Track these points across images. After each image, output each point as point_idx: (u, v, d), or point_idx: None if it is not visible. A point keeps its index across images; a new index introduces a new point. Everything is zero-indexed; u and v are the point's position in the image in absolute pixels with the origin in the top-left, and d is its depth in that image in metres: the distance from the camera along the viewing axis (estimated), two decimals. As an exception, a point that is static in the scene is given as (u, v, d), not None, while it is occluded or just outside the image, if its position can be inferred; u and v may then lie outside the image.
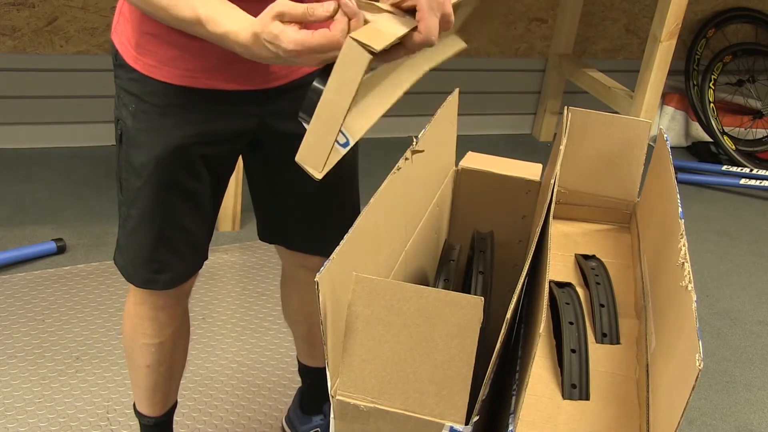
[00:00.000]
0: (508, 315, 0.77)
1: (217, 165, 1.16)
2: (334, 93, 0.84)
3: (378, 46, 0.82)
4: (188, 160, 1.11)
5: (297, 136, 1.16)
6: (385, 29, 0.87)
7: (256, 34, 0.87)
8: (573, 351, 0.92)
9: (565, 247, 1.19)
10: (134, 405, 1.41)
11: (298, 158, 0.87)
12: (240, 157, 1.25)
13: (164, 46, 1.04)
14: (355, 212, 1.26)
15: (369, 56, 0.82)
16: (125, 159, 1.12)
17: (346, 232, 0.82)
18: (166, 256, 1.17)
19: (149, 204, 1.12)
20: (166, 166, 1.10)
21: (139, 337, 1.28)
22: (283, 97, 1.13)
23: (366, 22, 0.89)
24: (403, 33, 0.88)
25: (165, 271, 1.19)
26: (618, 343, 0.98)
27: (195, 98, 1.08)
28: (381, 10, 0.91)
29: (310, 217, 1.26)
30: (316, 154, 0.87)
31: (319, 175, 0.87)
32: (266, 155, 1.21)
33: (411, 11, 0.91)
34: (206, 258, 1.24)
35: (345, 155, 1.22)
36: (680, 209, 0.94)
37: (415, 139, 1.00)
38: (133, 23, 1.06)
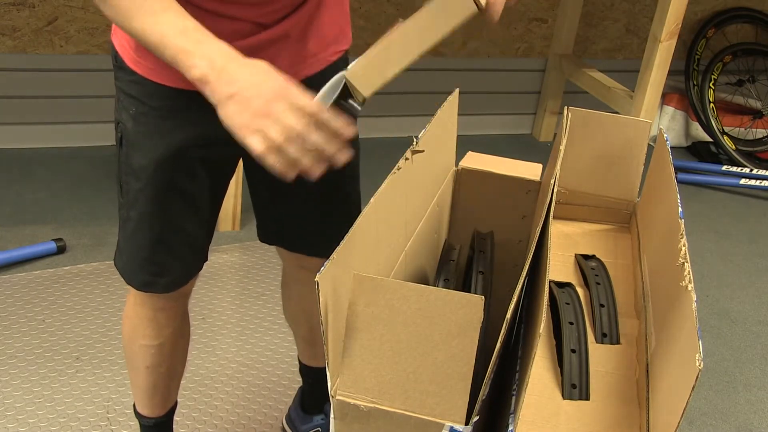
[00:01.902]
0: (508, 315, 0.77)
1: (216, 168, 1.16)
2: (420, 28, 0.78)
3: (482, 3, 0.76)
4: (188, 163, 1.10)
5: None
6: None
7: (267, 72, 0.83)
8: (573, 351, 0.92)
9: (565, 247, 1.19)
10: (134, 405, 1.41)
11: (348, 74, 0.82)
12: (240, 160, 1.24)
13: None
14: (356, 214, 1.26)
15: (475, 9, 0.77)
16: (125, 161, 1.12)
17: (346, 233, 0.82)
18: (165, 258, 1.17)
19: (149, 207, 1.12)
20: (165, 169, 1.09)
21: (138, 338, 1.28)
22: None
23: None
24: None
25: (164, 273, 1.18)
26: (618, 343, 0.98)
27: (195, 101, 1.07)
28: None
29: (311, 219, 1.26)
30: (372, 78, 0.82)
31: (366, 95, 0.82)
32: None
33: None
34: (206, 260, 1.24)
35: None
36: (680, 209, 0.94)
37: (415, 139, 1.00)
38: None
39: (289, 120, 0.81)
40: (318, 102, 0.81)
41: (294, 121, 0.81)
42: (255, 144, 0.81)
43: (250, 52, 1.03)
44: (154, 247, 1.15)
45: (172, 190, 1.12)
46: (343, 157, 0.84)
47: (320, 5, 1.09)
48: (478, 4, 0.78)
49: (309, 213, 1.25)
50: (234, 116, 0.83)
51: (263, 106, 0.81)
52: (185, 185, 1.12)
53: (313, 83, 0.95)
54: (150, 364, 1.30)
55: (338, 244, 0.79)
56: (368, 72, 0.82)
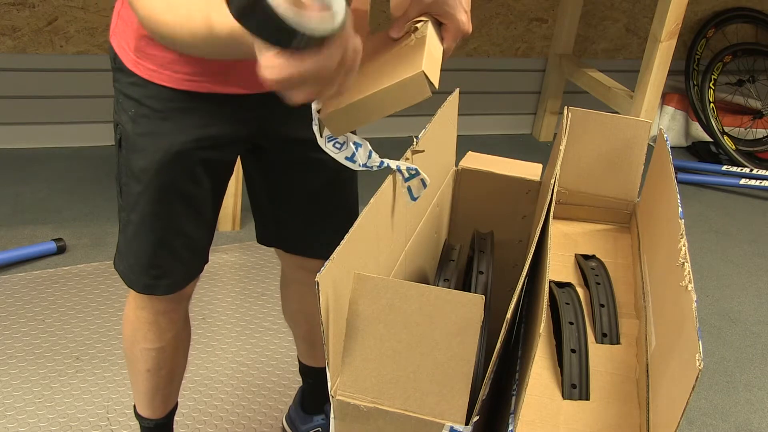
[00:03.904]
0: (508, 315, 0.77)
1: (217, 169, 1.15)
2: (377, 101, 0.87)
3: (436, 84, 0.86)
4: (189, 165, 1.10)
5: (297, 140, 1.16)
6: (436, 51, 0.91)
7: None
8: (573, 351, 0.92)
9: (565, 247, 1.19)
10: (134, 407, 1.41)
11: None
12: (239, 161, 1.24)
13: (165, 49, 1.04)
14: (354, 215, 1.26)
15: (429, 94, 0.86)
16: (125, 164, 1.12)
17: (344, 234, 0.82)
18: (166, 261, 1.17)
19: (150, 209, 1.12)
20: (166, 171, 1.09)
21: (139, 341, 1.27)
22: (284, 101, 1.13)
23: (415, 29, 0.93)
24: (441, 52, 0.94)
25: (166, 276, 1.18)
26: (618, 343, 0.98)
27: (195, 102, 1.07)
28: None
29: (309, 220, 1.26)
30: (340, 126, 0.89)
31: (436, 87, 0.89)
32: (266, 159, 1.21)
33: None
34: (207, 262, 1.23)
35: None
36: (680, 209, 0.94)
37: (415, 139, 1.00)
38: (132, 26, 1.05)
39: None
40: None
41: None
42: None
43: None
44: (155, 250, 1.15)
45: (173, 193, 1.11)
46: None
47: None
48: (433, 88, 0.87)
49: (307, 214, 1.25)
50: None
51: None
52: (187, 187, 1.12)
53: None
54: (151, 367, 1.30)
55: (336, 245, 0.79)
56: (339, 119, 0.90)
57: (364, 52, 1.02)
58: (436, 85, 0.87)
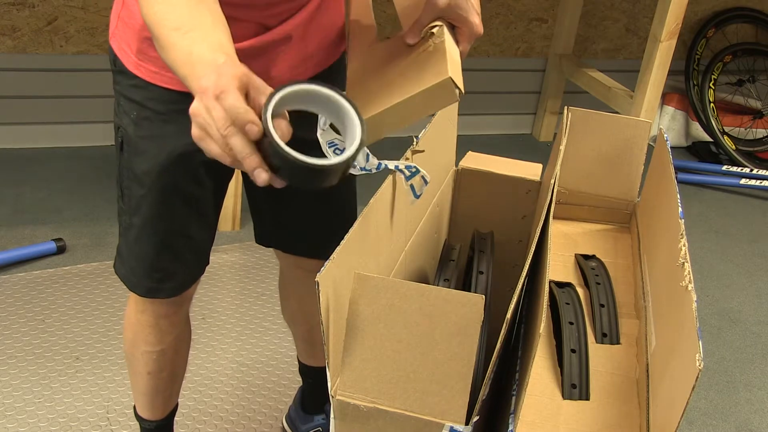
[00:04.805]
0: (508, 315, 0.77)
1: (219, 170, 1.15)
2: (406, 106, 0.87)
3: (462, 88, 0.87)
4: (192, 167, 1.10)
5: (296, 139, 1.16)
6: (455, 55, 0.92)
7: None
8: (573, 351, 0.92)
9: (565, 247, 1.20)
10: (134, 408, 1.41)
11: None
12: None
13: None
14: (352, 215, 1.26)
15: (457, 99, 0.87)
16: (127, 167, 1.11)
17: (343, 235, 0.82)
18: (169, 264, 1.16)
19: (152, 212, 1.11)
20: (169, 174, 1.09)
21: (140, 344, 1.27)
22: None
23: (432, 34, 0.93)
24: (459, 56, 0.94)
25: (169, 279, 1.18)
26: (618, 343, 0.98)
27: None
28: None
29: (308, 221, 1.26)
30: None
31: (463, 91, 0.90)
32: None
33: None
34: (208, 263, 1.23)
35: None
36: (680, 209, 0.94)
37: (415, 139, 1.01)
38: (134, 29, 1.04)
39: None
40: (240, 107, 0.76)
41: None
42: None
43: (253, 53, 1.03)
44: (158, 253, 1.14)
45: (176, 195, 1.11)
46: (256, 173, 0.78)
47: (320, 6, 1.09)
48: (461, 92, 0.88)
49: (304, 214, 1.25)
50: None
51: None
52: (189, 189, 1.12)
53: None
54: (152, 369, 1.30)
55: (334, 245, 0.79)
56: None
57: (377, 59, 1.01)
58: (462, 89, 0.87)
